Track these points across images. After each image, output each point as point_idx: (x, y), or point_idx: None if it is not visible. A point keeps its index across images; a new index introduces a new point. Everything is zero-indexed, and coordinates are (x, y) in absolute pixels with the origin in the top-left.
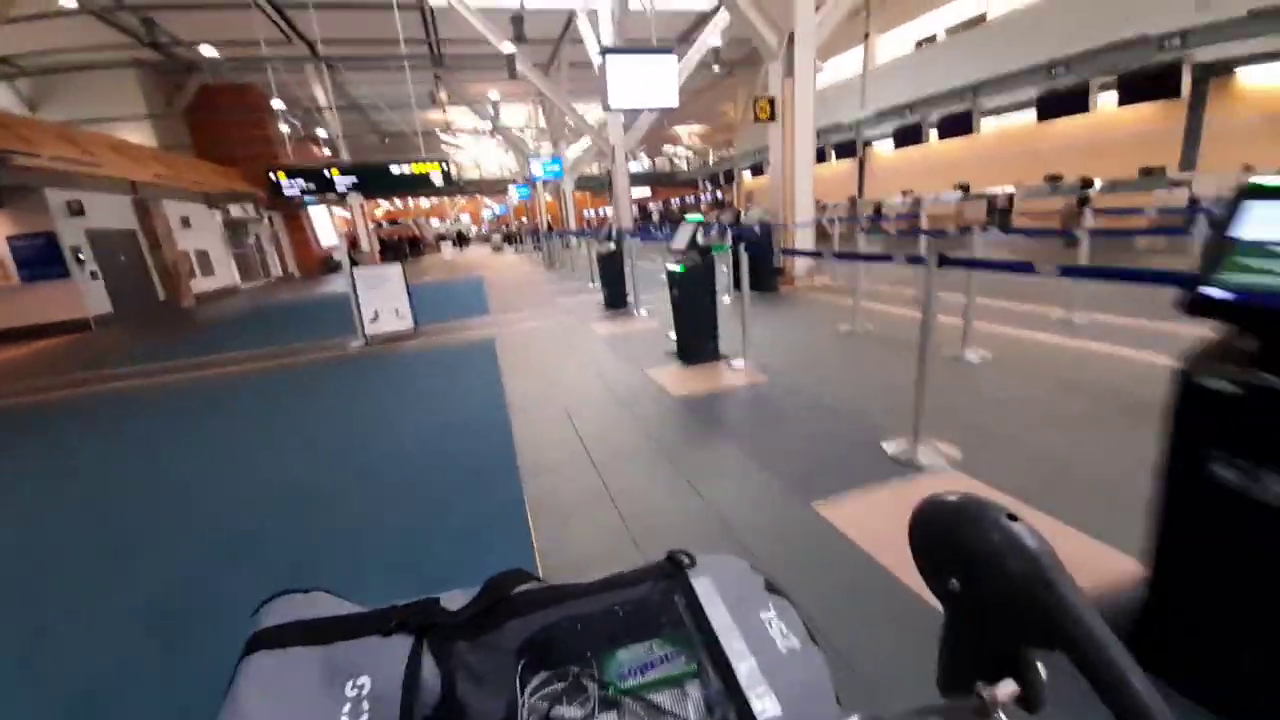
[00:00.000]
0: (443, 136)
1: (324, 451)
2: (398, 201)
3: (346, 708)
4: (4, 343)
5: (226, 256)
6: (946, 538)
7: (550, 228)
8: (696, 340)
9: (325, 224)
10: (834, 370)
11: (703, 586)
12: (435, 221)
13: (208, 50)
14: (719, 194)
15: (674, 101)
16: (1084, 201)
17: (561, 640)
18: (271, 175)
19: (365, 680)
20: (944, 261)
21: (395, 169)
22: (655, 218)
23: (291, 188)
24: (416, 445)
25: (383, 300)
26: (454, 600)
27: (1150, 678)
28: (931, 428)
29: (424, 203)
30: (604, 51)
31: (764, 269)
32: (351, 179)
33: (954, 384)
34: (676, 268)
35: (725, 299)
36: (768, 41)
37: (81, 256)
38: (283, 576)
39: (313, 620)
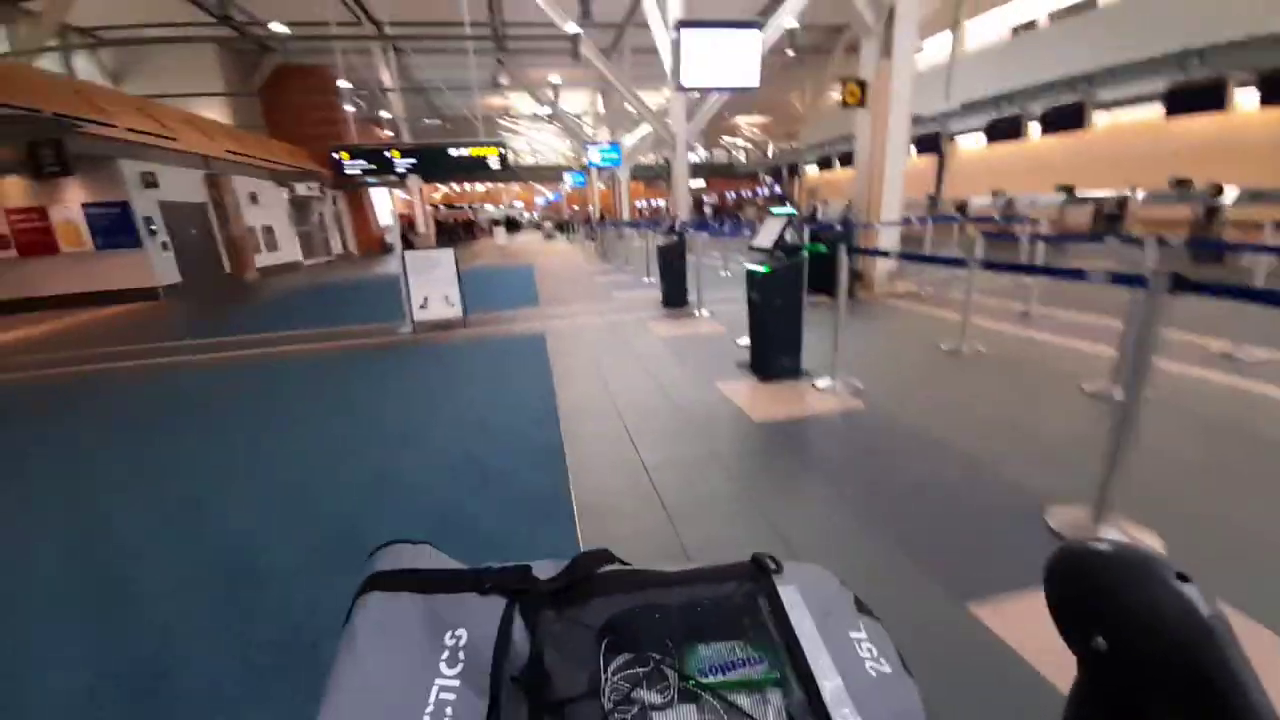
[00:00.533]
0: (501, 121)
1: (344, 474)
2: (454, 185)
3: (445, 655)
4: (78, 306)
5: (291, 233)
6: (1097, 590)
7: (603, 217)
8: (776, 353)
9: (385, 205)
10: (947, 400)
11: (789, 595)
12: (489, 207)
13: (278, 27)
14: (777, 188)
15: (755, 81)
16: (1213, 211)
17: (642, 625)
18: (334, 155)
19: (463, 632)
20: (1182, 285)
21: (453, 151)
22: (709, 211)
23: (353, 167)
24: (458, 466)
25: (433, 286)
26: (544, 570)
27: None
28: (1115, 499)
29: (479, 188)
30: (680, 25)
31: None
32: (411, 160)
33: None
34: (759, 268)
35: None
36: (864, 17)
37: (154, 228)
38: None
39: (420, 570)
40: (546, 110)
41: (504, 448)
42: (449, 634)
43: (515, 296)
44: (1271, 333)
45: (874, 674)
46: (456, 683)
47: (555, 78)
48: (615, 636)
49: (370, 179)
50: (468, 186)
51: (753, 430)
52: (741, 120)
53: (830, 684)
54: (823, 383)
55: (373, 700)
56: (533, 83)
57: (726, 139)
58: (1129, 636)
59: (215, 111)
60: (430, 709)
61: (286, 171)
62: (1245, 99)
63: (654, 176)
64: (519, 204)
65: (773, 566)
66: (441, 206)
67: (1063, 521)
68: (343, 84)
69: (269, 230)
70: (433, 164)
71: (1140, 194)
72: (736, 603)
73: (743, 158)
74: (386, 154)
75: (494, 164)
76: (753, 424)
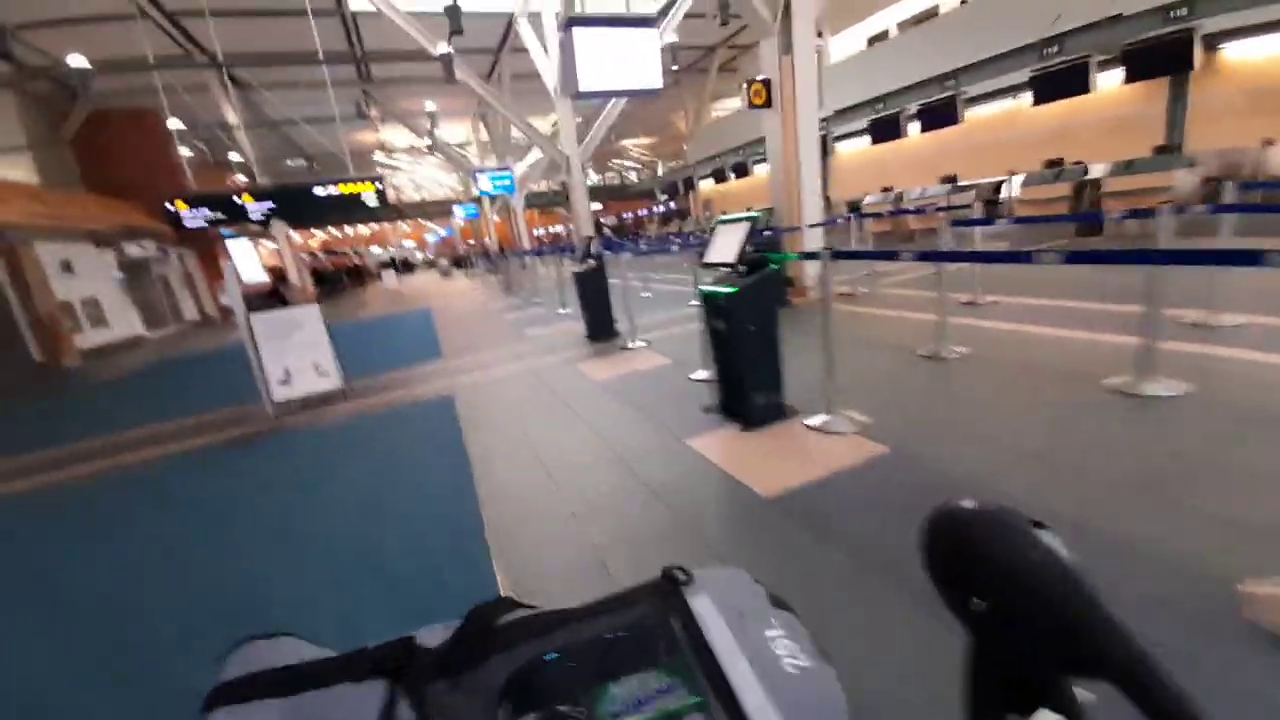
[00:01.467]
0: (378, 158)
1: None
2: (333, 230)
3: None
4: None
5: (124, 302)
6: (967, 551)
7: (502, 248)
8: (754, 390)
9: (249, 258)
10: (974, 425)
11: (701, 605)
12: (376, 249)
13: (78, 61)
14: (671, 204)
15: (658, 81)
16: (1082, 187)
17: (550, 675)
18: (169, 205)
19: None
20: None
21: (320, 191)
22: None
23: (195, 218)
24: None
25: (295, 354)
26: (433, 636)
27: None
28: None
29: (363, 230)
30: (570, 22)
31: None
32: (267, 204)
33: (1200, 448)
34: (721, 289)
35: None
36: (760, 14)
37: None
38: None
39: (278, 669)
40: (426, 142)
41: (412, 585)
42: None
43: (412, 349)
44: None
45: (793, 670)
46: None
47: (431, 104)
48: (518, 694)
49: (227, 231)
50: (350, 230)
51: (765, 511)
52: (629, 143)
53: (751, 694)
54: (817, 420)
55: None
56: (406, 113)
57: (615, 162)
58: (1002, 593)
59: (19, 170)
60: None
61: (111, 231)
62: (1106, 80)
63: (548, 203)
64: (410, 243)
65: (682, 578)
66: (321, 254)
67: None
68: (174, 124)
69: (93, 303)
70: (297, 207)
71: (1017, 178)
72: (648, 627)
73: (633, 178)
74: (236, 200)
75: (370, 201)
76: (761, 500)
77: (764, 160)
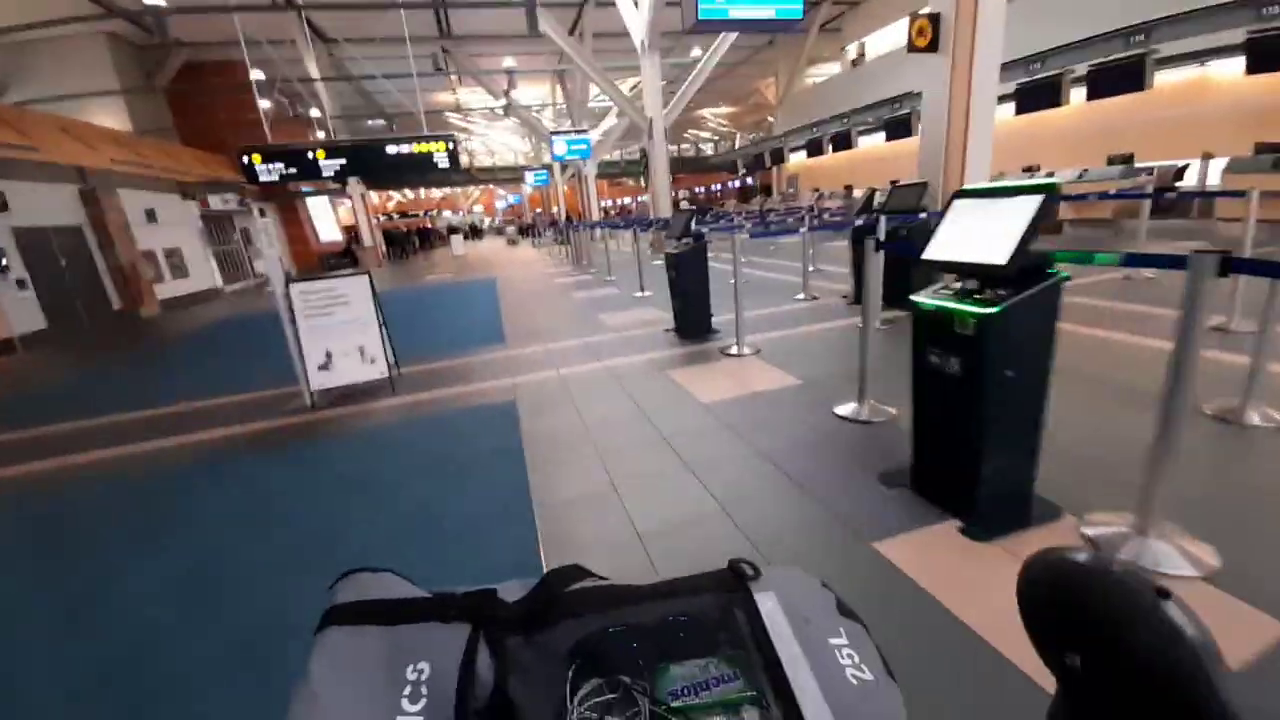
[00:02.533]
0: (453, 119)
1: None
2: (408, 193)
3: (407, 690)
4: None
5: (205, 255)
6: (1069, 604)
7: (570, 218)
8: (992, 463)
9: (327, 216)
10: None
11: (767, 603)
12: (448, 214)
13: None
14: (749, 179)
15: (797, 10)
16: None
17: (614, 647)
18: (244, 158)
19: (425, 665)
20: None
21: (392, 149)
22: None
23: (269, 172)
24: None
25: (340, 334)
26: (511, 591)
27: None
28: None
29: (435, 194)
30: None
31: (908, 275)
32: (340, 161)
33: None
34: (966, 307)
35: (814, 325)
36: None
37: (3, 262)
38: None
39: (382, 600)
40: (501, 103)
41: None
42: (410, 667)
43: (473, 329)
44: None
45: (855, 681)
46: (420, 719)
47: (509, 61)
48: (585, 661)
49: (305, 187)
50: (423, 193)
51: None
52: (707, 112)
53: (810, 698)
54: (1111, 536)
55: None
56: (483, 72)
57: (691, 132)
58: (1104, 657)
59: (112, 116)
60: None
61: (196, 183)
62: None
63: (618, 174)
64: (479, 209)
65: (749, 573)
66: (395, 215)
67: None
68: (256, 75)
69: (175, 253)
70: (368, 165)
71: (1218, 162)
72: (712, 616)
73: (708, 150)
74: (310, 155)
75: (442, 162)
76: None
77: (871, 130)
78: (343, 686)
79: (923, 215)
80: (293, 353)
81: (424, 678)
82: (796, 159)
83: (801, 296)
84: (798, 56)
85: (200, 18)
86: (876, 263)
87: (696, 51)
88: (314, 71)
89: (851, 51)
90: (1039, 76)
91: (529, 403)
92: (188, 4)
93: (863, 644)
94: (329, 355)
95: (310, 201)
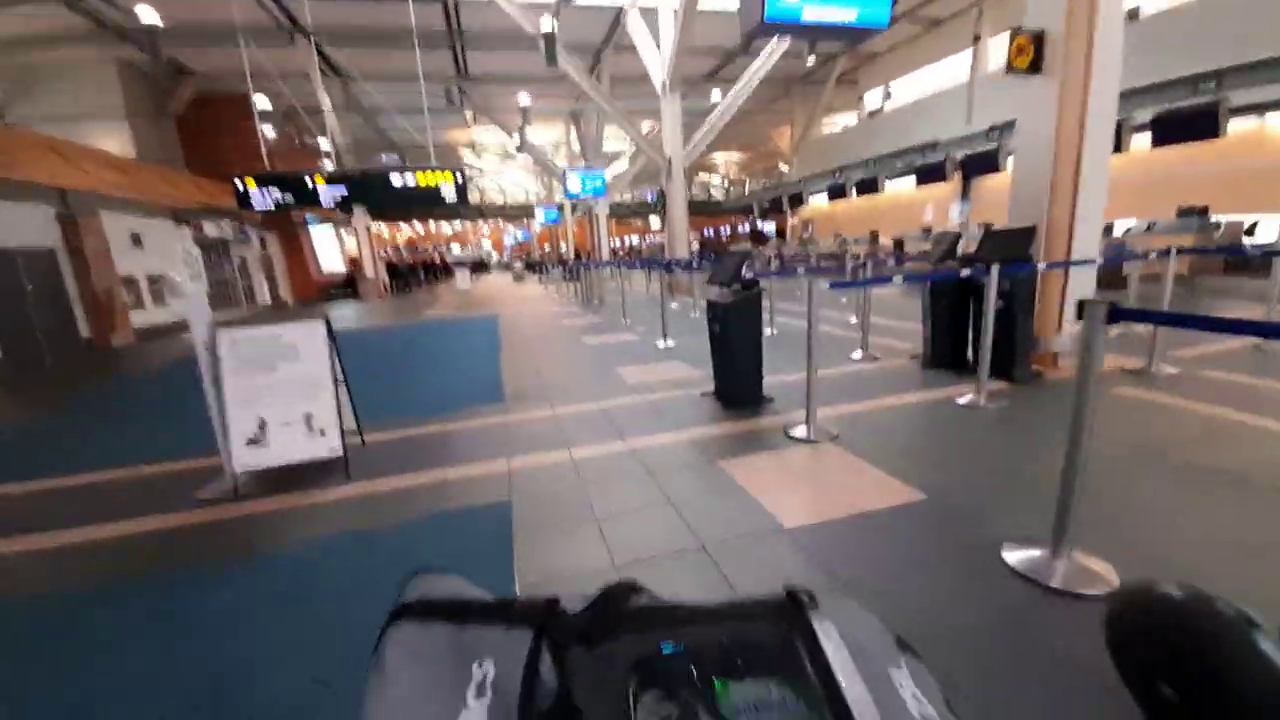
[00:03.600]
0: (467, 159)
1: None
2: (418, 226)
3: (473, 686)
4: None
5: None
6: (1168, 636)
7: (579, 255)
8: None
9: (330, 247)
10: None
11: (826, 631)
12: (457, 248)
13: (146, 14)
14: (759, 224)
15: (883, 18)
16: None
17: (674, 663)
18: (238, 183)
19: (490, 664)
20: None
21: (397, 180)
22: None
23: (264, 199)
24: None
25: (281, 398)
26: (572, 602)
27: None
28: None
29: (445, 228)
30: None
31: (1012, 337)
32: (341, 190)
33: None
34: None
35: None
36: None
37: None
38: None
39: (449, 600)
40: (515, 141)
41: None
42: (476, 664)
43: (467, 379)
44: None
45: (918, 716)
46: (484, 714)
47: (524, 98)
48: (646, 674)
49: (309, 215)
50: (434, 227)
51: None
52: (719, 156)
53: None
54: None
55: None
56: (498, 110)
57: (703, 175)
58: (1200, 689)
59: (117, 143)
60: None
61: (191, 209)
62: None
63: (627, 214)
64: (487, 243)
65: (808, 601)
66: (404, 249)
67: None
68: (260, 101)
69: (160, 280)
70: (373, 194)
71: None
72: (771, 640)
73: (717, 195)
74: (309, 181)
75: (449, 194)
76: None
77: (900, 175)
78: (414, 676)
79: (1040, 265)
80: (214, 422)
81: (489, 676)
82: (813, 204)
83: (859, 355)
84: (814, 106)
85: (214, 49)
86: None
87: (716, 95)
88: (325, 103)
89: (872, 100)
90: None
91: (529, 508)
92: (187, 25)
93: (923, 679)
94: (263, 425)
95: (314, 231)
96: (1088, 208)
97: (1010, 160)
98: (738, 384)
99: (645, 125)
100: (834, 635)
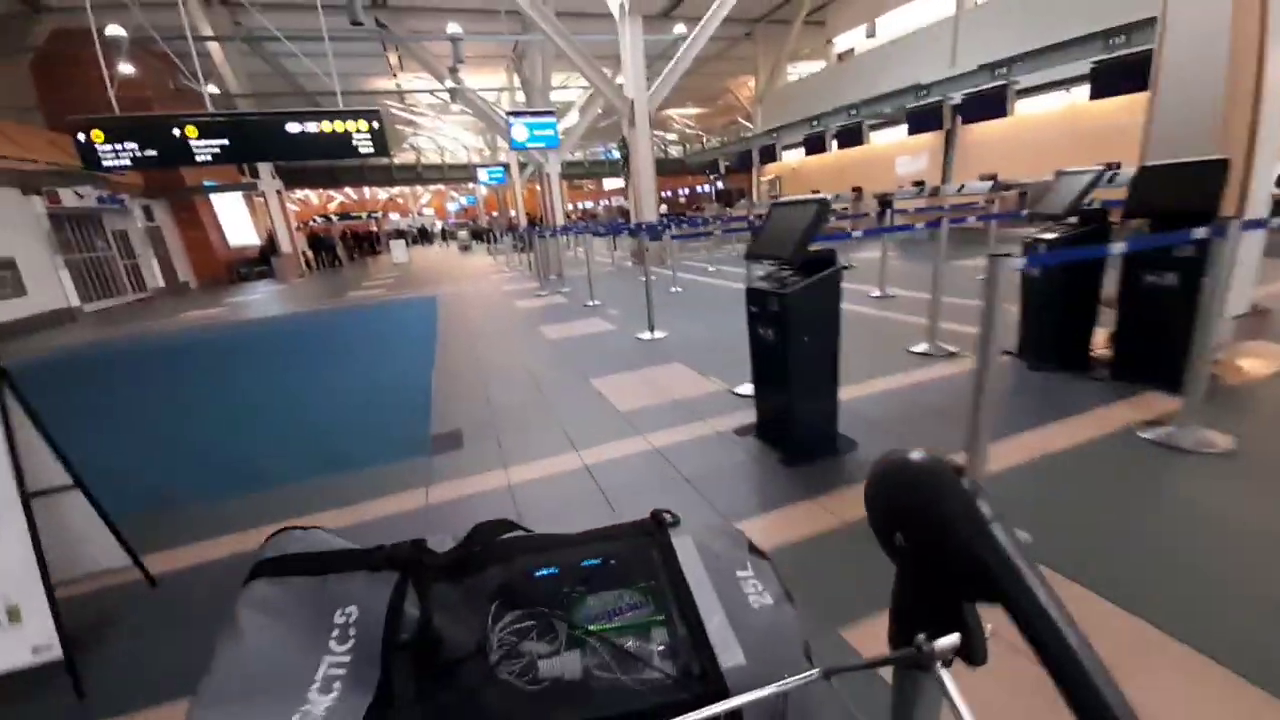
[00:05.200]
0: (395, 110)
1: None
2: (351, 193)
3: (335, 632)
4: None
5: (52, 265)
6: (894, 495)
7: (533, 222)
8: None
9: (239, 217)
10: None
11: (682, 544)
12: (395, 217)
13: None
14: (719, 184)
15: None
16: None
17: (537, 585)
18: (81, 136)
19: (353, 609)
20: None
21: (294, 126)
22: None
23: (117, 155)
24: None
25: None
26: (441, 544)
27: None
28: None
29: (381, 195)
30: None
31: (1184, 331)
32: (220, 142)
33: None
34: None
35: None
36: None
37: None
38: None
39: (308, 554)
40: (449, 85)
41: None
42: (339, 612)
43: (376, 410)
44: None
45: (756, 606)
46: (347, 658)
47: (454, 27)
48: (508, 598)
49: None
50: (371, 194)
51: None
52: (674, 113)
53: (714, 618)
54: None
55: (253, 680)
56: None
57: (657, 133)
58: (919, 529)
59: None
60: (317, 684)
61: (43, 173)
62: None
63: (580, 175)
64: (430, 212)
65: (670, 520)
66: (336, 218)
67: None
68: (114, 31)
69: (6, 265)
70: (263, 145)
71: None
72: (628, 556)
73: (674, 153)
74: (176, 131)
75: (364, 144)
76: None
77: (884, 126)
78: (269, 631)
79: (1236, 224)
80: None
81: (352, 620)
82: (778, 161)
83: (925, 348)
84: (779, 51)
85: None
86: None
87: (680, 28)
88: (205, 29)
89: (843, 44)
90: (1122, 53)
91: None
92: None
93: (767, 576)
94: None
95: (217, 199)
96: (1270, 136)
97: (1015, 105)
98: (801, 419)
99: (606, 72)
100: (689, 546)
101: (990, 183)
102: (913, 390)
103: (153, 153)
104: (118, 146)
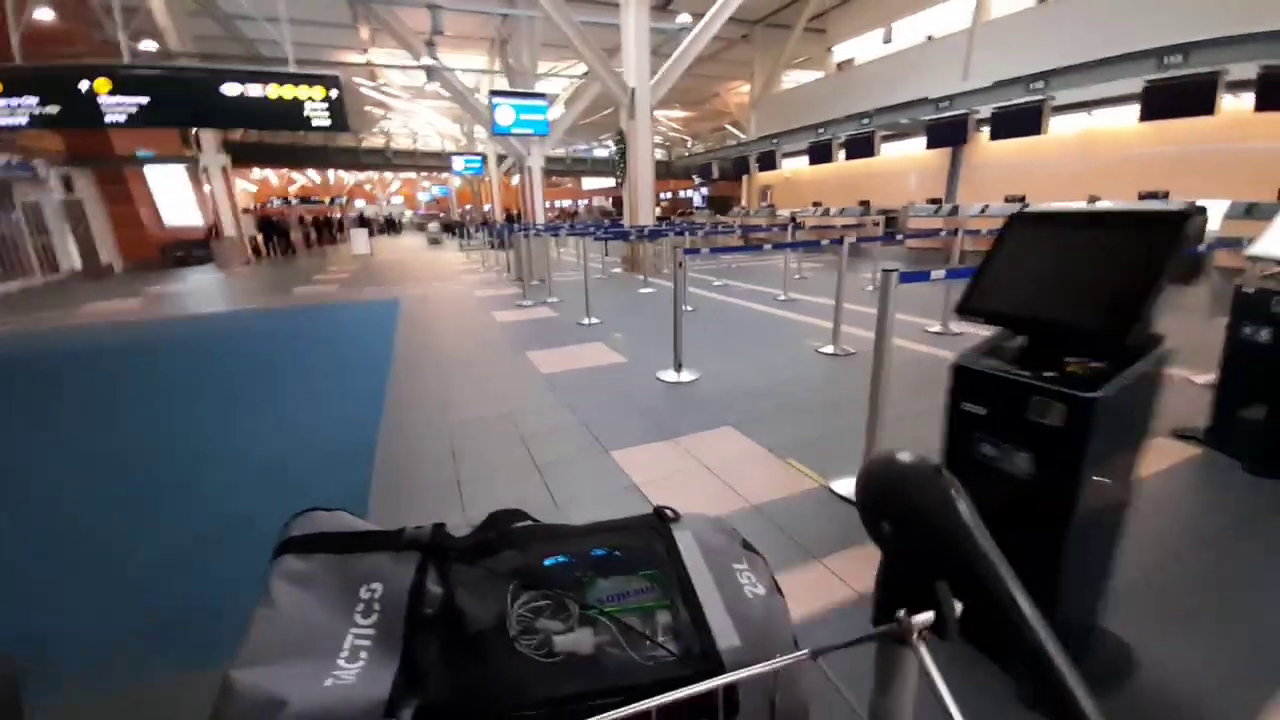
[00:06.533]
0: (366, 88)
1: None
2: (316, 177)
3: (360, 607)
4: None
5: None
6: (883, 489)
7: (511, 218)
8: None
9: (179, 192)
10: None
11: (683, 538)
12: (361, 204)
13: None
14: (703, 190)
15: None
16: None
17: (550, 569)
18: None
19: (378, 585)
20: None
21: (233, 88)
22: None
23: (12, 111)
24: None
25: None
26: (459, 528)
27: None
28: None
29: (348, 179)
30: None
31: None
32: (139, 100)
33: None
34: None
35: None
36: None
37: None
38: None
39: (334, 533)
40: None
41: None
42: (364, 588)
43: (283, 502)
44: None
45: (750, 595)
46: (372, 630)
47: None
48: (525, 580)
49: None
50: (336, 178)
51: None
52: (661, 115)
53: (712, 604)
54: None
55: (287, 647)
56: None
57: None
58: (903, 519)
59: None
60: (345, 653)
61: None
62: None
63: (560, 172)
64: (399, 200)
65: (671, 516)
66: (296, 201)
67: None
68: None
69: None
70: (192, 110)
71: None
72: (635, 546)
73: (659, 155)
74: (84, 85)
75: (319, 115)
76: None
77: (896, 138)
78: (300, 604)
79: None
80: None
81: (377, 596)
82: (770, 171)
83: None
84: (777, 56)
85: None
86: None
87: (685, 18)
88: None
89: (842, 54)
90: (1179, 74)
91: None
92: None
93: (759, 569)
94: None
95: (151, 172)
96: None
97: (1050, 123)
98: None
99: (582, 69)
100: (689, 539)
101: (1018, 204)
102: None
103: (54, 109)
104: (13, 101)
